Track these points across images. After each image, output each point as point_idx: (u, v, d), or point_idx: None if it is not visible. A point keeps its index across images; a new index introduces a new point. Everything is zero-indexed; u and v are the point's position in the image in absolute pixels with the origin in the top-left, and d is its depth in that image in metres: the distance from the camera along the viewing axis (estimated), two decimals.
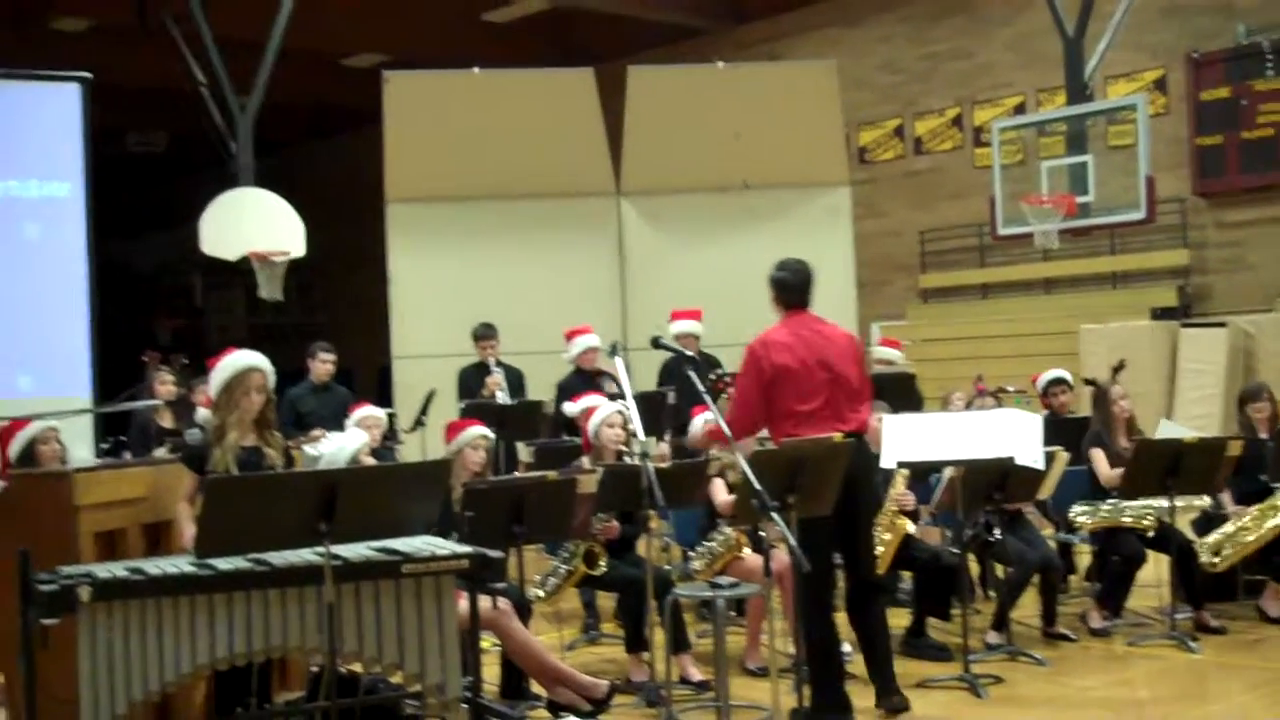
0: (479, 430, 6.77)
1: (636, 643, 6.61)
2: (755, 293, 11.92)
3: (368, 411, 8.07)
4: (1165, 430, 8.17)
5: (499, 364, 9.99)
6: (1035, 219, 13.16)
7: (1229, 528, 7.52)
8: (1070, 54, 13.68)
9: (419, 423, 9.22)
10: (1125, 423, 7.82)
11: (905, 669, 6.33)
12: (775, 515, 5.15)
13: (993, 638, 7.10)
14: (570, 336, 9.71)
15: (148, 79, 16.75)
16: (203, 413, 5.58)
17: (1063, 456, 7.53)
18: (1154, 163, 13.05)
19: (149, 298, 25.48)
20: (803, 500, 5.71)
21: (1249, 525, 7.45)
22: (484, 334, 10.05)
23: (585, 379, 9.28)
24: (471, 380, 9.93)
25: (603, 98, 12.74)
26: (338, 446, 6.56)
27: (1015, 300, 16.75)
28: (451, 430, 6.85)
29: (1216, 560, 7.46)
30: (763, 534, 5.72)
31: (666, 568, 7.24)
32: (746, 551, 6.70)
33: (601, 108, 12.70)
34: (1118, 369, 8.41)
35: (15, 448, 6.28)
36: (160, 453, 8.23)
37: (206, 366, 5.59)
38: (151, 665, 4.59)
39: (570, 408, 8.95)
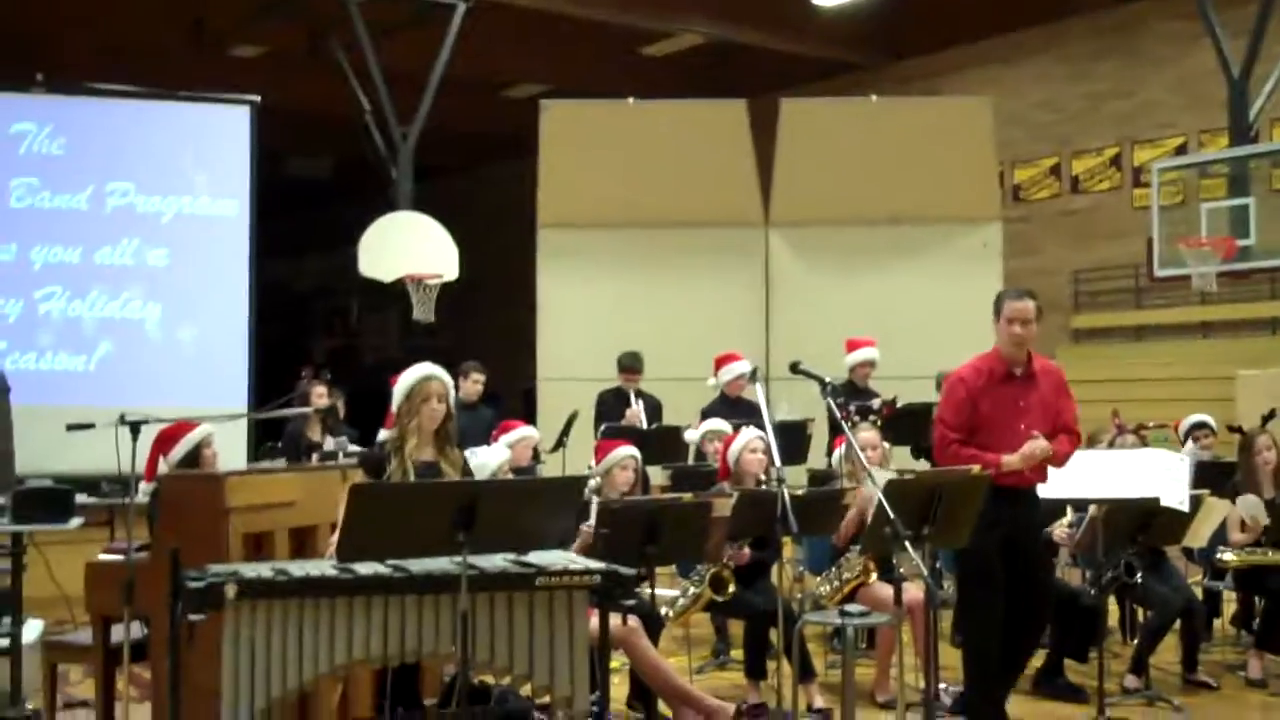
0: (628, 450, 6.88)
1: (756, 670, 6.66)
2: (901, 326, 12.02)
3: (525, 432, 8.17)
4: None
5: (639, 394, 10.08)
6: (1193, 261, 12.90)
7: None
8: (1235, 95, 13.40)
9: (560, 444, 9.35)
10: (1271, 474, 7.60)
11: (1039, 709, 6.27)
12: (908, 545, 5.13)
13: (1130, 681, 6.97)
14: (720, 363, 9.74)
15: (315, 105, 17.27)
16: (384, 434, 5.72)
17: (1212, 503, 7.36)
18: None
19: (307, 318, 26.16)
20: (938, 532, 5.69)
21: None
22: (631, 365, 10.10)
23: (730, 406, 9.31)
24: (609, 406, 10.02)
25: (755, 130, 12.80)
26: (481, 461, 6.69)
27: (1171, 343, 16.38)
28: (600, 450, 6.97)
29: None
30: (899, 566, 5.69)
31: (799, 595, 7.25)
32: (875, 580, 6.66)
33: (753, 140, 12.76)
34: (1268, 418, 8.20)
35: (180, 450, 6.45)
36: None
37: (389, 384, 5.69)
38: (291, 663, 4.73)
39: (690, 434, 9.03)
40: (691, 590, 6.70)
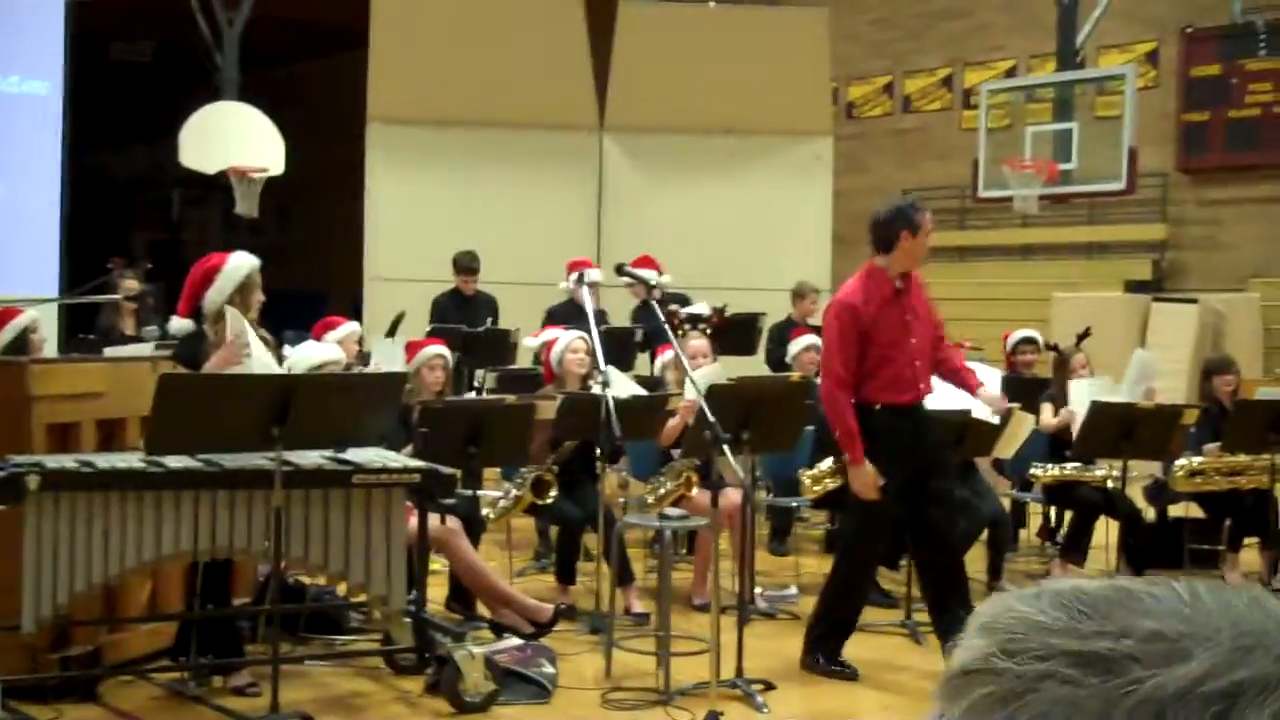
0: (435, 349, 6.80)
1: (566, 574, 6.73)
2: (730, 237, 12.11)
3: (350, 327, 7.84)
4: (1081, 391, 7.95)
5: (477, 295, 9.97)
6: (1016, 183, 13.18)
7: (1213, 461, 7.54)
8: (1064, 20, 13.67)
9: None
10: None
11: None
12: (726, 449, 5.17)
13: None
14: (572, 268, 9.57)
15: None
16: (178, 322, 5.45)
17: (1022, 416, 7.57)
18: (1139, 136, 13.07)
19: (126, 209, 25.29)
20: (758, 437, 5.76)
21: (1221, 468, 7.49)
22: (469, 265, 9.94)
23: (578, 311, 9.17)
24: (445, 310, 9.88)
25: (592, 32, 12.68)
26: (302, 355, 6.54)
27: (992, 264, 16.77)
28: (410, 350, 6.87)
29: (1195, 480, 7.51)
30: (718, 471, 5.73)
31: (621, 501, 7.30)
32: (695, 491, 6.71)
33: (590, 43, 12.64)
34: (1082, 336, 8.45)
35: (6, 336, 6.24)
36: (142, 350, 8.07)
37: (190, 274, 5.43)
38: (96, 558, 4.62)
39: (530, 342, 8.95)
40: (514, 492, 6.68)
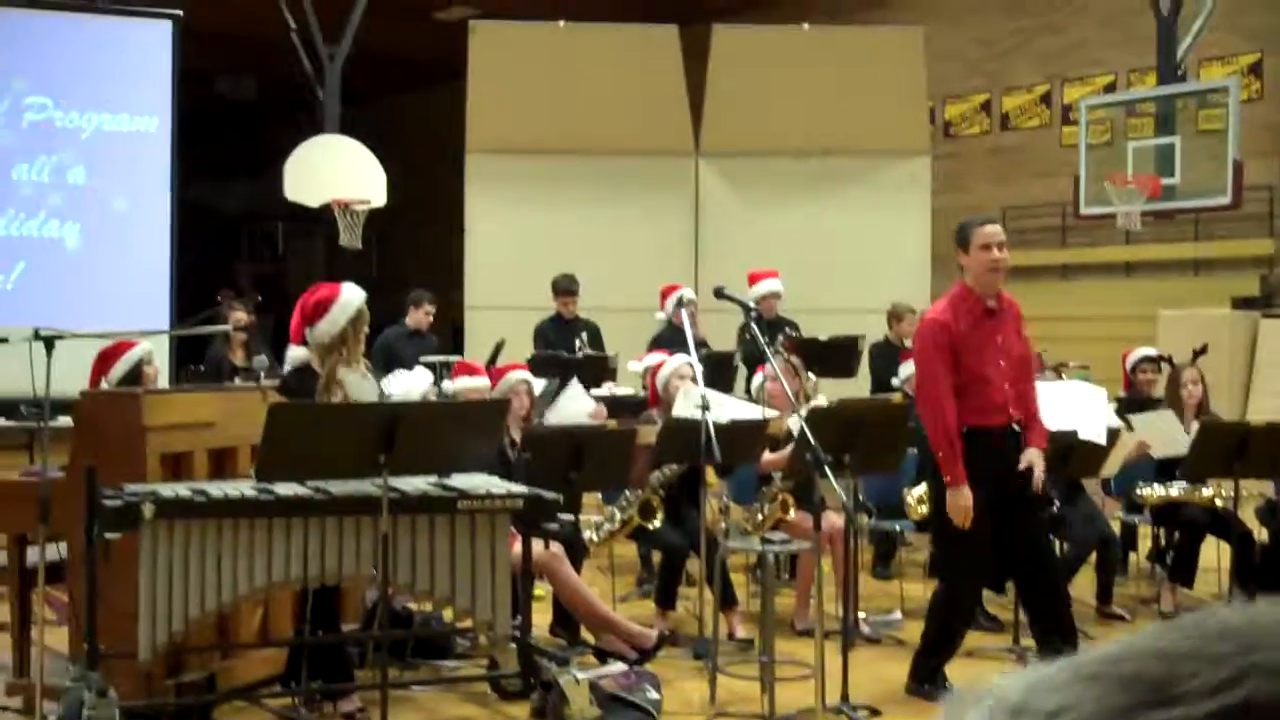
0: (520, 375, 6.80)
1: (666, 600, 6.75)
2: (829, 258, 12.06)
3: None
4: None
5: (578, 320, 9.97)
6: (1119, 200, 12.99)
7: None
8: (1163, 33, 13.47)
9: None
10: (1193, 408, 7.72)
11: None
12: (829, 471, 5.15)
13: None
14: (666, 294, 9.58)
15: (240, 23, 16.92)
16: (295, 351, 5.52)
17: (1129, 436, 7.46)
18: (1244, 148, 12.80)
19: (232, 242, 25.79)
20: (860, 459, 5.74)
21: None
22: (568, 287, 9.93)
23: (680, 336, 9.16)
24: (549, 334, 9.90)
25: (687, 58, 12.73)
26: (407, 386, 6.63)
27: (1095, 283, 16.53)
28: (495, 376, 6.85)
29: None
30: (820, 494, 5.70)
31: (723, 526, 7.29)
32: (792, 515, 6.68)
33: (685, 67, 12.69)
34: (1199, 353, 8.31)
35: (122, 368, 6.38)
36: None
37: (300, 304, 5.49)
38: (210, 585, 4.71)
39: (635, 365, 8.96)
40: (619, 516, 6.70)
